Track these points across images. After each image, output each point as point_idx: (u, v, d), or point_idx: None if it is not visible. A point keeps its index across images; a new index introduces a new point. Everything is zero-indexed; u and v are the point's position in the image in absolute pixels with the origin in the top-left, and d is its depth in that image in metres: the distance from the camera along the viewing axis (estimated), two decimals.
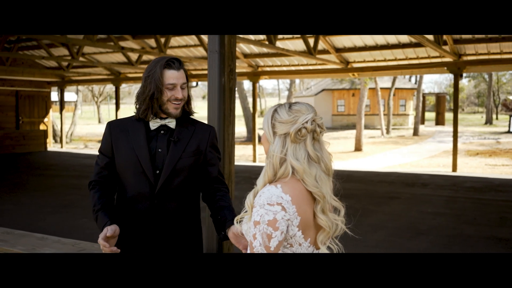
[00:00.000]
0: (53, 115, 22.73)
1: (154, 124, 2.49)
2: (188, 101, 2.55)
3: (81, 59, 16.05)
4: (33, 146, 19.03)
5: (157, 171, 2.44)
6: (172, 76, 2.44)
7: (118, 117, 12.42)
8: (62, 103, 21.14)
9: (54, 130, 23.60)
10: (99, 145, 29.84)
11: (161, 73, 2.43)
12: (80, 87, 38.38)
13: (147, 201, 2.45)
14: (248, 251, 1.80)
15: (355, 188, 10.39)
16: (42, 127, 20.01)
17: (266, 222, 1.72)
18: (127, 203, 2.49)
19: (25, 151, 18.62)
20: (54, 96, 24.85)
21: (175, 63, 2.46)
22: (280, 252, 1.81)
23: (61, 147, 21.31)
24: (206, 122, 2.94)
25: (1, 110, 18.37)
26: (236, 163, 7.02)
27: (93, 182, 2.55)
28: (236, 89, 26.74)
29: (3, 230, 4.56)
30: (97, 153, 2.62)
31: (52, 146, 21.21)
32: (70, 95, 48.69)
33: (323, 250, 1.86)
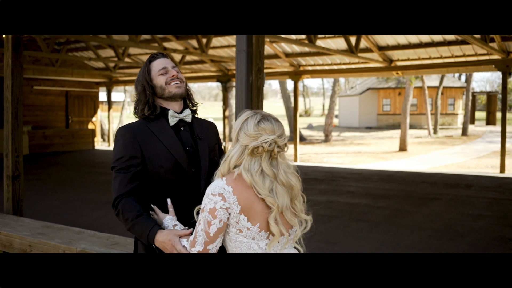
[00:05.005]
0: (101, 114, 23.45)
1: (173, 119, 2.44)
2: (189, 95, 2.55)
3: (126, 60, 16.47)
4: (81, 145, 19.71)
5: (193, 169, 2.40)
6: (159, 63, 2.48)
7: None
8: (109, 103, 21.78)
9: (102, 129, 24.38)
10: None
11: (148, 68, 2.46)
12: (127, 87, 39.39)
13: (189, 203, 2.32)
14: (193, 235, 1.99)
15: (395, 188, 10.21)
16: (90, 126, 20.69)
17: (208, 210, 1.92)
18: (164, 208, 2.37)
19: (73, 149, 19.29)
20: (102, 96, 25.58)
21: (158, 54, 2.51)
22: (232, 239, 1.98)
23: (108, 145, 21.94)
24: (233, 121, 2.98)
25: (51, 109, 19.12)
26: None
27: (122, 196, 2.32)
28: (280, 88, 26.56)
29: (43, 224, 4.77)
30: None
31: (99, 144, 21.88)
32: (118, 95, 50.04)
33: (276, 248, 2.00)
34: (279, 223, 1.95)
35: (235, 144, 2.01)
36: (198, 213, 2.04)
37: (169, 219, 2.19)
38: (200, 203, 2.39)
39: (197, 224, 1.97)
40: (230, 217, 1.93)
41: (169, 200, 2.29)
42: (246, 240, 1.96)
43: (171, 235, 2.13)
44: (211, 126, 2.63)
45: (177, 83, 2.45)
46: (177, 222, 2.18)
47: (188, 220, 2.30)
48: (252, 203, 1.93)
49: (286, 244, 2.00)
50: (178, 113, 2.47)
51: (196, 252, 1.95)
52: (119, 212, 2.30)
